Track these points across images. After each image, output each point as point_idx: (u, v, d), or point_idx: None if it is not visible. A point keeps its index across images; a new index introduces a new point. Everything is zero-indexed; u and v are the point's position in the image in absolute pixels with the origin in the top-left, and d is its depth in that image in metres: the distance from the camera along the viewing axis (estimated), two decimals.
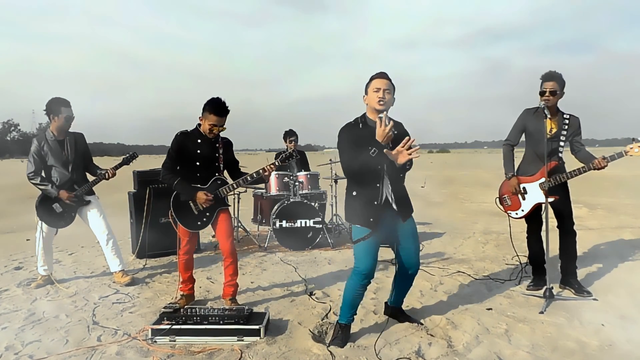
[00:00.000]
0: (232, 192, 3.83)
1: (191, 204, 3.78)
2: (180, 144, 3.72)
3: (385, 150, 3.03)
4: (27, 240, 6.77)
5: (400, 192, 3.21)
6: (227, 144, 3.92)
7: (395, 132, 3.09)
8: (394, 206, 3.18)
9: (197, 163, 3.74)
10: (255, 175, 3.77)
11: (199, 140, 3.74)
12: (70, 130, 4.57)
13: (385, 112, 3.09)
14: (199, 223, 3.82)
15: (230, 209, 4.03)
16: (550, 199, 3.94)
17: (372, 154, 3.01)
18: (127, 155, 4.69)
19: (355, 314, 3.32)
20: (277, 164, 3.79)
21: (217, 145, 3.83)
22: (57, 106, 4.40)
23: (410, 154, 2.98)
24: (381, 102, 3.07)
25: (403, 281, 3.46)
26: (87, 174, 4.72)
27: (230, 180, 3.90)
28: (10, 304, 4.10)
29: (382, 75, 3.16)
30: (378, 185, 3.13)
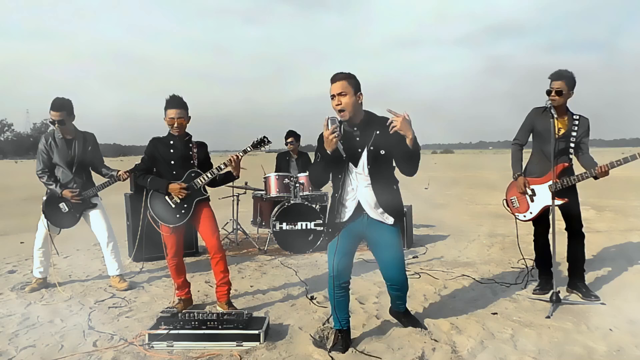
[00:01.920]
0: (206, 182, 3.86)
1: (167, 198, 3.82)
2: (152, 147, 3.86)
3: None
4: (22, 243, 6.72)
5: (383, 197, 3.01)
6: (201, 145, 4.00)
7: (368, 132, 2.97)
8: (368, 212, 3.04)
9: (172, 162, 3.84)
10: (227, 163, 3.81)
11: (172, 142, 3.87)
12: (81, 129, 4.55)
13: (328, 116, 2.86)
14: (177, 216, 3.83)
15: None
16: (560, 202, 3.85)
17: (316, 160, 2.95)
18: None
19: (349, 318, 3.23)
20: (247, 149, 3.86)
21: (191, 145, 3.92)
22: (49, 108, 4.34)
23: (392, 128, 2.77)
24: (341, 111, 2.93)
25: (391, 291, 3.37)
26: (96, 175, 4.64)
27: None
28: (3, 308, 4.03)
29: (335, 79, 2.95)
30: (336, 195, 3.06)
